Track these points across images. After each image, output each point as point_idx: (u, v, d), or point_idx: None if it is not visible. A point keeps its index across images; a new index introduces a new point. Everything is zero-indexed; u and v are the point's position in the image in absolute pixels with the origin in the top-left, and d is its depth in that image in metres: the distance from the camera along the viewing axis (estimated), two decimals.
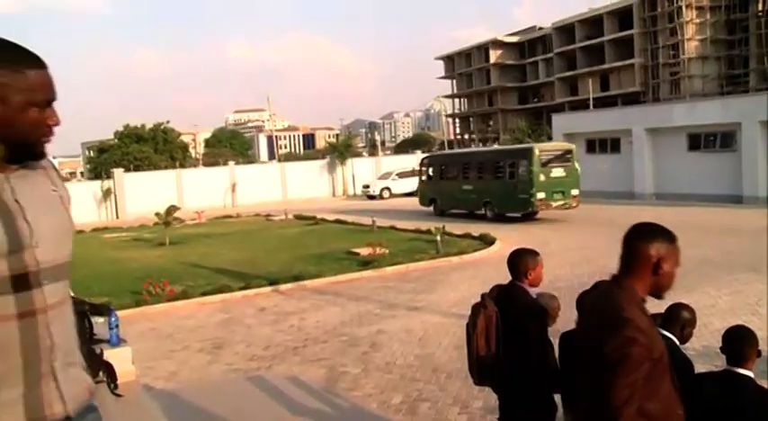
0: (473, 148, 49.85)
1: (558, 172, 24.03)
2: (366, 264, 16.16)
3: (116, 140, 64.47)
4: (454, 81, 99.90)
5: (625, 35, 72.54)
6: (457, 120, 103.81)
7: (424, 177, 30.15)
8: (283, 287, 14.38)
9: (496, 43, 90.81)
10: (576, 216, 24.04)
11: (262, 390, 6.52)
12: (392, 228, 23.12)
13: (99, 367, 5.58)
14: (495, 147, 44.24)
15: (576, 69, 77.51)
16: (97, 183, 43.73)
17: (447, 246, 17.78)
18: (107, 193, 41.39)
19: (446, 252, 17.23)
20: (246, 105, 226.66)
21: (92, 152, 77.96)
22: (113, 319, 6.07)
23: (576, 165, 24.60)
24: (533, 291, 4.18)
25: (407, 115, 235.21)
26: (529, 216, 24.68)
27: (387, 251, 16.64)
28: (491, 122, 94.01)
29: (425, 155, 36.55)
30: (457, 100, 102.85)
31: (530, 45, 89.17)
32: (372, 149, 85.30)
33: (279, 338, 10.55)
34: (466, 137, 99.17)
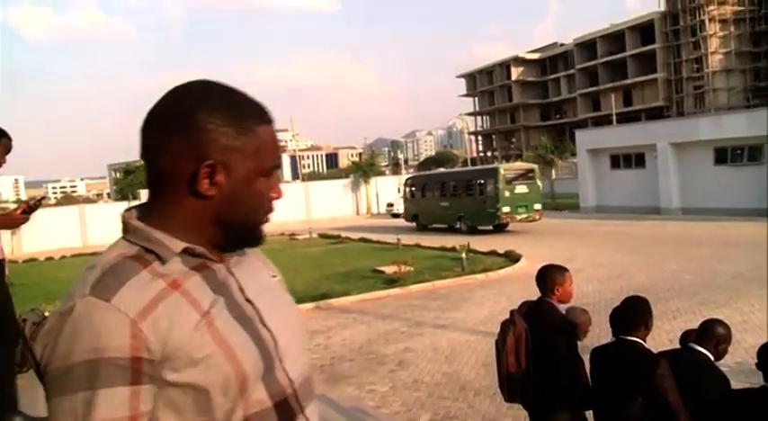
0: (448, 169, 52.21)
1: (521, 189, 27.27)
2: (392, 282, 16.14)
3: (142, 162, 65.17)
4: (476, 99, 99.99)
5: (647, 50, 72.32)
6: (479, 138, 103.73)
7: (408, 196, 33.07)
8: (309, 306, 14.39)
9: (518, 60, 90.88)
10: (602, 232, 23.89)
11: None
12: (417, 245, 23.10)
13: None
14: (467, 168, 48.01)
15: (599, 85, 77.27)
16: (124, 204, 44.19)
17: (472, 264, 17.71)
18: None
19: (471, 269, 17.16)
20: None
21: (118, 174, 78.83)
22: None
23: (539, 182, 28.19)
24: (562, 307, 4.16)
25: (430, 133, 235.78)
26: (499, 228, 27.68)
27: (412, 269, 16.62)
28: (514, 139, 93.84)
29: (408, 176, 38.96)
30: (479, 117, 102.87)
31: (551, 61, 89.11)
32: (395, 168, 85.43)
33: None
34: (489, 154, 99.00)
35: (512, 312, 4.21)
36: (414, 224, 31.99)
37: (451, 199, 29.68)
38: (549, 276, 4.14)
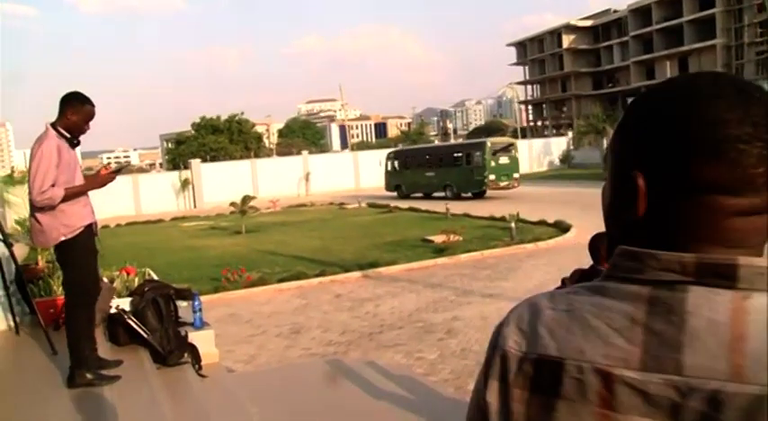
0: (434, 144, 54.60)
1: (504, 160, 31.78)
2: (440, 251, 16.12)
3: (193, 132, 66.03)
4: (526, 67, 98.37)
5: (706, 15, 69.93)
6: (529, 107, 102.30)
7: (389, 168, 36.93)
8: (358, 274, 14.48)
9: (569, 28, 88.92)
10: None
11: (340, 374, 6.58)
12: (466, 215, 23.01)
13: (184, 349, 5.74)
14: (453, 142, 52.90)
15: (653, 52, 75.17)
16: (175, 173, 44.91)
17: (521, 234, 17.57)
18: (185, 184, 42.43)
19: (520, 239, 17.03)
20: (318, 95, 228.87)
21: (170, 144, 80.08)
22: (197, 303, 6.23)
23: (517, 154, 33.08)
24: None
25: (479, 103, 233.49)
26: (480, 195, 31.33)
27: (461, 238, 16.56)
28: (564, 108, 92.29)
29: (389, 151, 41.53)
30: (529, 86, 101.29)
31: (604, 29, 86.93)
32: (444, 137, 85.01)
33: (355, 324, 10.63)
34: (539, 123, 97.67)
35: (563, 280, 4.15)
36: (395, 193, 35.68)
37: (437, 169, 33.55)
38: (602, 244, 4.05)
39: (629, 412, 0.79)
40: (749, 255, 0.82)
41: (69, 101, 4.66)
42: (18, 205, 7.80)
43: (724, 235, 0.83)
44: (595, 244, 4.10)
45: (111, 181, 4.89)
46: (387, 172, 37.16)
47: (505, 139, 37.75)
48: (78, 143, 4.79)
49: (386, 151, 52.25)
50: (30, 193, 4.52)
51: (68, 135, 4.67)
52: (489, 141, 33.50)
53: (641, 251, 0.84)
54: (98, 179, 4.88)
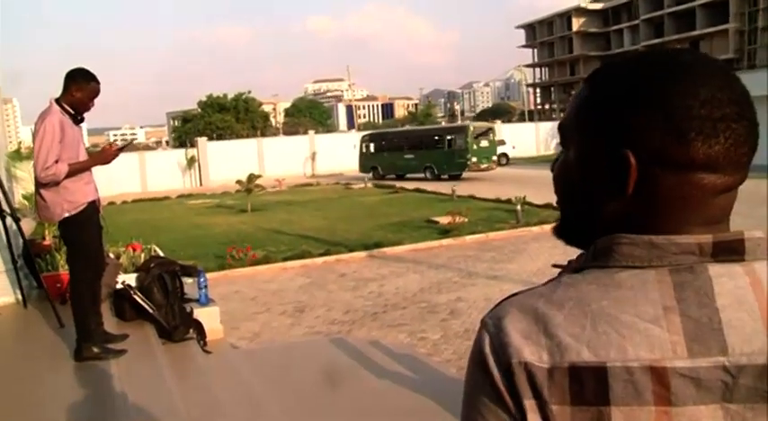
0: (412, 127, 55.05)
1: (484, 143, 33.78)
2: (446, 232, 16.14)
3: (199, 110, 65.94)
4: (535, 50, 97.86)
5: None
6: (538, 90, 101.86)
7: (363, 151, 38.34)
8: (363, 254, 14.52)
9: (579, 10, 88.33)
10: None
11: (344, 352, 6.62)
12: (471, 197, 23.00)
13: (189, 324, 5.78)
14: (434, 126, 52.61)
15: (664, 36, 74.62)
16: (182, 151, 44.94)
17: (527, 216, 17.56)
18: (191, 161, 42.47)
19: (526, 221, 17.02)
20: (326, 75, 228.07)
21: (176, 122, 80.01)
22: (202, 280, 6.27)
23: (495, 138, 35.38)
24: None
25: (487, 85, 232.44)
26: (457, 176, 32.57)
27: (466, 220, 16.55)
28: (573, 92, 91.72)
29: (365, 134, 42.79)
30: (538, 69, 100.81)
31: (614, 12, 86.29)
32: (452, 119, 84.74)
33: (359, 303, 10.67)
34: (546, 106, 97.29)
35: (569, 262, 4.13)
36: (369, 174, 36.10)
37: (417, 152, 35.38)
38: None
39: (686, 403, 0.75)
40: (724, 230, 0.84)
41: (74, 77, 4.65)
42: (25, 180, 7.83)
43: (710, 212, 0.83)
44: None
45: (115, 157, 4.89)
46: (361, 154, 38.67)
47: (485, 124, 39.77)
48: (82, 120, 4.79)
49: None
50: (34, 169, 4.53)
51: (72, 111, 4.67)
52: (471, 126, 35.94)
53: (659, 238, 0.81)
54: (102, 155, 4.89)
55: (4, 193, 5.55)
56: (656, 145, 0.80)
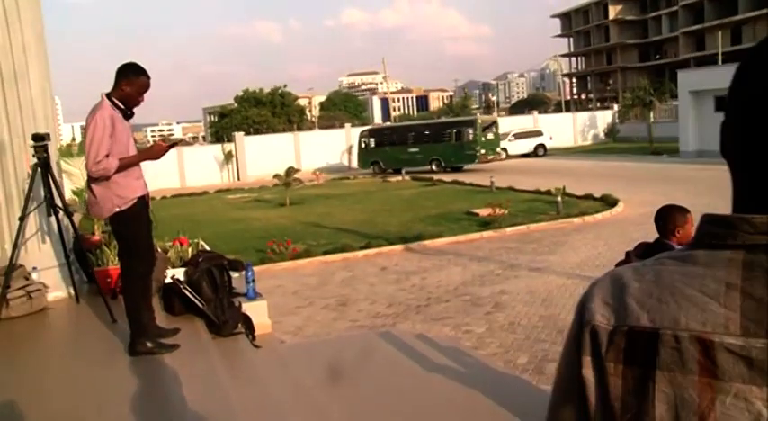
0: (416, 122, 54.11)
1: (489, 136, 35.55)
2: (485, 224, 16.04)
3: (236, 105, 66.37)
4: (571, 39, 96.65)
5: None
6: (573, 80, 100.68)
7: (363, 146, 39.12)
8: (403, 247, 14.49)
9: None
10: (704, 178, 22.95)
11: (391, 345, 6.60)
12: (510, 188, 22.82)
13: (238, 319, 5.80)
14: (441, 120, 51.98)
15: (704, 22, 73.14)
16: (219, 146, 45.27)
17: (567, 207, 17.39)
18: (228, 156, 42.76)
19: (567, 213, 16.86)
20: (360, 68, 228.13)
21: (213, 117, 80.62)
22: (250, 274, 6.28)
23: (498, 131, 36.95)
24: None
25: (522, 75, 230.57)
26: (459, 168, 34.74)
27: (506, 211, 16.42)
28: (610, 81, 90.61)
29: (363, 129, 43.43)
30: (573, 59, 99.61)
31: None
32: (487, 110, 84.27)
33: (401, 297, 10.65)
34: (583, 96, 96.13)
35: (627, 253, 4.07)
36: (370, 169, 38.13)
37: (422, 145, 36.62)
38: (671, 217, 3.97)
39: (733, 380, 0.76)
40: None
41: (124, 72, 4.67)
42: (76, 175, 7.94)
43: None
44: (662, 217, 4.00)
45: (164, 153, 4.92)
46: (361, 149, 39.41)
47: (489, 118, 41.97)
48: (132, 114, 4.82)
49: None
50: (86, 164, 4.57)
51: (122, 106, 4.70)
52: (479, 119, 37.70)
53: (733, 216, 0.84)
54: (152, 151, 4.92)
55: (58, 189, 5.62)
56: None
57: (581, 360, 0.88)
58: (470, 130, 34.81)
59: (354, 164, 44.47)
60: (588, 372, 0.87)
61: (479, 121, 36.12)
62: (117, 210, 4.66)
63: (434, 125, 40.73)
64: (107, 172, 4.52)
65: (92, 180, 4.64)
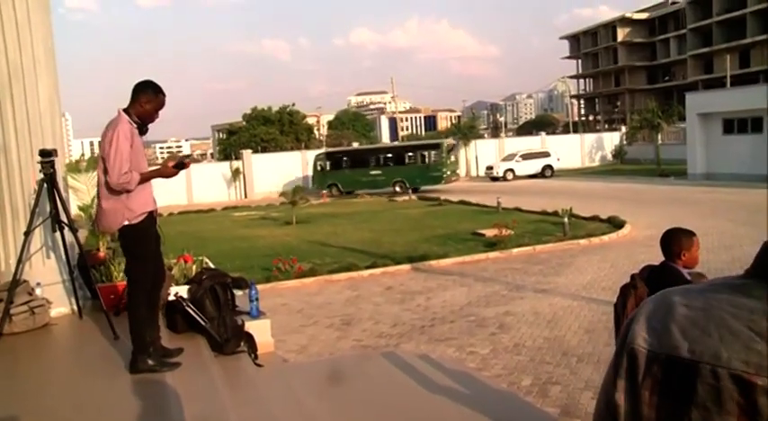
0: (377, 145, 55.77)
1: (451, 158, 38.89)
2: (492, 245, 16.01)
3: (244, 123, 66.59)
4: (579, 61, 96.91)
5: None
6: (582, 101, 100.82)
7: (318, 169, 39.70)
8: (409, 266, 14.46)
9: (624, 20, 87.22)
10: (712, 200, 22.89)
11: (394, 366, 6.56)
12: (517, 209, 22.81)
13: (241, 337, 5.78)
14: (405, 143, 55.50)
15: (713, 45, 73.19)
16: (227, 163, 45.46)
17: (574, 229, 17.36)
18: (236, 173, 42.90)
19: (573, 234, 16.82)
20: (369, 88, 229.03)
21: (221, 134, 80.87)
22: (254, 292, 6.27)
23: (458, 154, 41.31)
24: (686, 273, 3.97)
25: (530, 96, 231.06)
26: (417, 189, 36.29)
27: (512, 232, 16.40)
28: (618, 103, 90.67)
29: (320, 152, 43.88)
30: (582, 80, 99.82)
31: (660, 21, 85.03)
32: (495, 131, 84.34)
33: (406, 317, 10.61)
34: (591, 118, 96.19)
35: (633, 276, 4.03)
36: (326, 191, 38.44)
37: (385, 168, 38.45)
38: (676, 240, 3.94)
39: None
40: None
41: (144, 89, 4.73)
42: (82, 192, 7.98)
43: None
44: (668, 240, 3.98)
45: (175, 174, 4.95)
46: (316, 172, 40.19)
47: (450, 141, 43.40)
48: (146, 131, 4.86)
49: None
50: (109, 176, 4.56)
51: (139, 122, 4.75)
52: (445, 142, 40.28)
53: None
54: (165, 171, 4.93)
55: (63, 205, 5.63)
56: None
57: (616, 383, 0.85)
58: (437, 153, 37.81)
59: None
60: (621, 397, 0.84)
61: (445, 144, 39.36)
62: (126, 222, 4.67)
63: (399, 148, 43.02)
64: (130, 185, 4.56)
65: (105, 193, 4.65)
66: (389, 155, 39.69)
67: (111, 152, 4.56)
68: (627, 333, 0.85)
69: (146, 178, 4.72)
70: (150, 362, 4.74)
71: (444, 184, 36.68)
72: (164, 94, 4.79)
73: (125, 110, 4.69)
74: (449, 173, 37.36)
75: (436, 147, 39.08)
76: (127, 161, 4.52)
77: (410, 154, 39.02)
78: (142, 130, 4.80)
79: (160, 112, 4.88)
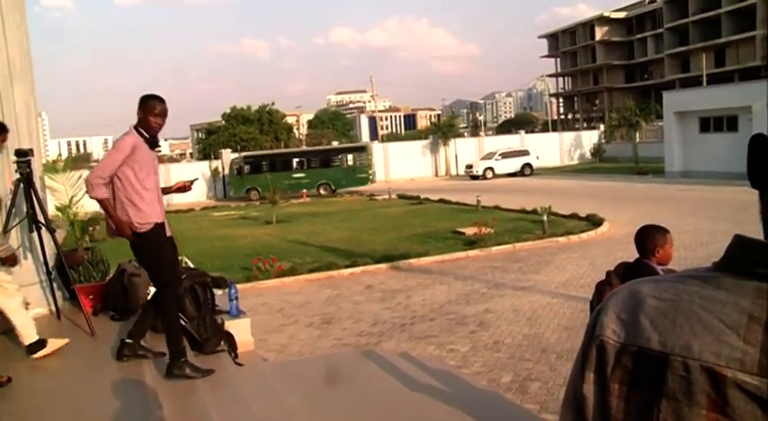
0: (300, 149, 54.21)
1: (371, 160, 40.28)
2: (471, 243, 16.07)
3: (223, 122, 66.28)
4: (558, 60, 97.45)
5: (745, 5, 68.36)
6: (560, 100, 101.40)
7: (236, 173, 39.42)
8: (389, 265, 14.48)
9: (602, 19, 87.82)
10: (689, 198, 23.13)
11: (374, 364, 6.59)
12: (497, 207, 22.89)
13: (221, 336, 5.78)
14: (331, 146, 52.63)
15: (689, 44, 73.92)
16: (206, 163, 45.24)
17: (553, 227, 17.46)
18: (215, 173, 42.72)
19: (552, 232, 16.92)
20: (348, 87, 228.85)
21: (200, 134, 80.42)
22: (233, 292, 6.27)
23: (371, 156, 40.86)
24: (660, 270, 4.02)
25: (509, 95, 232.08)
26: (335, 191, 38.49)
27: (492, 230, 16.46)
28: (596, 102, 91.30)
29: (237, 156, 43.12)
30: (560, 79, 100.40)
31: (638, 21, 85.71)
32: (474, 130, 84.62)
33: (386, 315, 10.63)
34: (570, 116, 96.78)
35: (608, 273, 4.09)
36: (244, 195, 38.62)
37: (309, 171, 39.43)
38: (650, 237, 4.00)
39: (744, 419, 0.71)
40: None
41: (141, 103, 4.81)
42: (59, 192, 7.92)
43: None
44: (642, 237, 4.03)
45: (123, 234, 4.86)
46: (234, 176, 39.93)
47: (368, 143, 46.70)
48: (157, 144, 4.93)
49: (416, 143, 52.45)
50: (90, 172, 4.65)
51: (147, 135, 4.77)
52: (370, 145, 43.04)
53: (762, 243, 0.77)
54: (119, 227, 4.76)
55: (40, 205, 5.60)
56: None
57: (584, 375, 0.84)
58: (363, 156, 39.57)
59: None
60: (588, 389, 0.83)
61: (370, 146, 41.56)
62: (136, 224, 4.68)
63: (323, 151, 43.60)
64: (90, 190, 4.62)
65: (116, 204, 4.67)
66: (314, 158, 40.70)
67: (104, 157, 4.69)
68: (594, 325, 0.85)
69: (109, 213, 4.71)
70: (188, 369, 4.78)
71: (369, 185, 38.46)
72: (160, 101, 4.80)
73: (135, 126, 4.79)
74: (373, 174, 39.47)
75: (362, 149, 40.90)
76: (110, 170, 4.60)
77: (336, 156, 40.29)
78: (153, 144, 4.85)
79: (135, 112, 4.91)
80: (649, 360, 0.77)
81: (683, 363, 0.74)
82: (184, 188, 5.37)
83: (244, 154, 45.50)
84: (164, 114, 4.83)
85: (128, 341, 4.93)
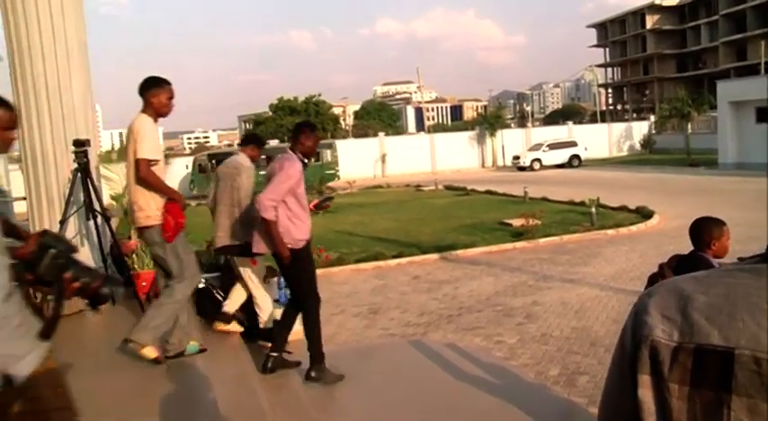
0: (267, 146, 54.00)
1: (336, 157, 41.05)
2: (519, 234, 15.95)
3: (271, 113, 66.91)
4: (607, 49, 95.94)
5: None
6: (609, 90, 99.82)
7: (199, 171, 37.54)
8: (436, 256, 14.47)
9: (654, 7, 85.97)
10: (743, 190, 22.58)
11: (421, 354, 6.61)
12: (544, 199, 22.67)
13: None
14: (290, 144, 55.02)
15: (746, 31, 71.84)
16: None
17: (602, 219, 17.23)
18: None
19: (601, 225, 16.70)
20: (395, 78, 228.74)
21: (248, 125, 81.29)
22: (282, 281, 6.34)
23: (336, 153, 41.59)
24: (716, 263, 3.96)
25: (557, 86, 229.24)
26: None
27: (539, 222, 16.30)
28: (647, 92, 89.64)
29: (200, 154, 43.16)
30: (609, 69, 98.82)
31: (691, 8, 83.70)
32: (521, 120, 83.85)
33: (433, 306, 10.63)
34: (619, 107, 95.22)
35: (661, 265, 4.03)
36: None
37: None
38: (706, 229, 3.93)
39: None
40: None
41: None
42: (114, 181, 8.11)
43: None
44: (698, 229, 3.96)
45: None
46: (196, 174, 38.39)
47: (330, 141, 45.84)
48: (306, 165, 5.54)
49: (462, 134, 52.15)
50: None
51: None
52: (337, 143, 43.55)
53: None
54: (279, 248, 5.15)
55: (97, 194, 5.74)
56: None
57: (637, 379, 0.80)
58: (329, 153, 39.97)
59: (388, 173, 44.60)
60: (646, 393, 0.79)
61: (335, 146, 42.33)
62: (296, 240, 5.16)
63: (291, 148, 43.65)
64: (265, 212, 5.04)
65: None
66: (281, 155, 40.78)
67: (275, 180, 5.31)
68: (636, 327, 0.82)
69: (270, 231, 5.08)
70: (328, 373, 5.20)
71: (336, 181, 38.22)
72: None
73: (291, 148, 5.52)
74: (338, 171, 39.44)
75: (329, 146, 41.07)
76: (282, 195, 5.16)
77: None
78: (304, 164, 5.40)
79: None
80: (712, 357, 0.75)
81: (752, 357, 0.72)
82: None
83: (205, 153, 45.49)
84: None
85: (273, 355, 5.21)
